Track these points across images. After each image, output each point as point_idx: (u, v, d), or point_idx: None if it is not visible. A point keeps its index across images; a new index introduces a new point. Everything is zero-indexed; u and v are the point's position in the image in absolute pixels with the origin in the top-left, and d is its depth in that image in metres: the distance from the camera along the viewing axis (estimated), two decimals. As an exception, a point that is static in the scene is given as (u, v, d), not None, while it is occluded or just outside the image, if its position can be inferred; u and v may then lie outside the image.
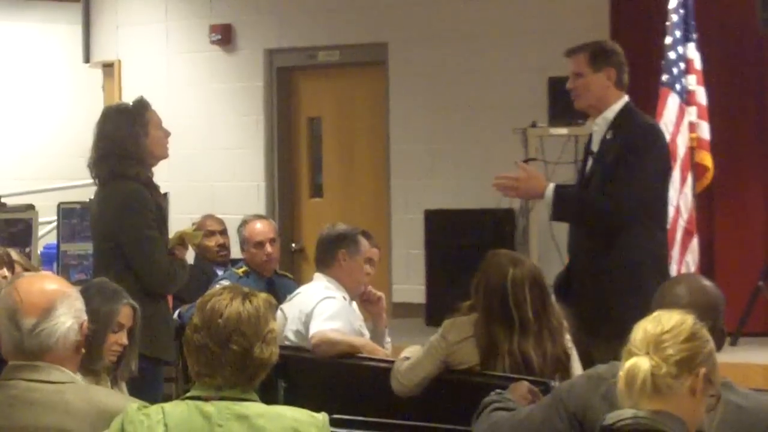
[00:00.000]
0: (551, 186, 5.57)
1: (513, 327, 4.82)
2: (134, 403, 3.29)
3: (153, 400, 3.38)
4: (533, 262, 5.28)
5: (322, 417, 3.24)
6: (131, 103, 5.67)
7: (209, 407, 3.17)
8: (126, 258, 5.49)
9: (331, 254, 5.83)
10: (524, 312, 4.83)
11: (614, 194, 5.40)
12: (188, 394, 3.24)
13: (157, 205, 5.57)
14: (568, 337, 5.00)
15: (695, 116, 8.50)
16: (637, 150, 5.45)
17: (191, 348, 3.24)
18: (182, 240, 5.66)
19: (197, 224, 7.43)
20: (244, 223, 7.11)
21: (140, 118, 5.54)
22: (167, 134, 5.66)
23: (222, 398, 3.19)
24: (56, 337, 3.30)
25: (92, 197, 8.52)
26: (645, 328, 3.02)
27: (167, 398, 5.64)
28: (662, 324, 3.01)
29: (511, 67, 10.44)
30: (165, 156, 5.67)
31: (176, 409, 3.21)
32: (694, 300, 3.46)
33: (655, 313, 3.08)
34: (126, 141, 5.48)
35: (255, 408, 3.19)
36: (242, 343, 3.20)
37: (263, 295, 3.34)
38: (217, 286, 6.72)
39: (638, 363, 2.96)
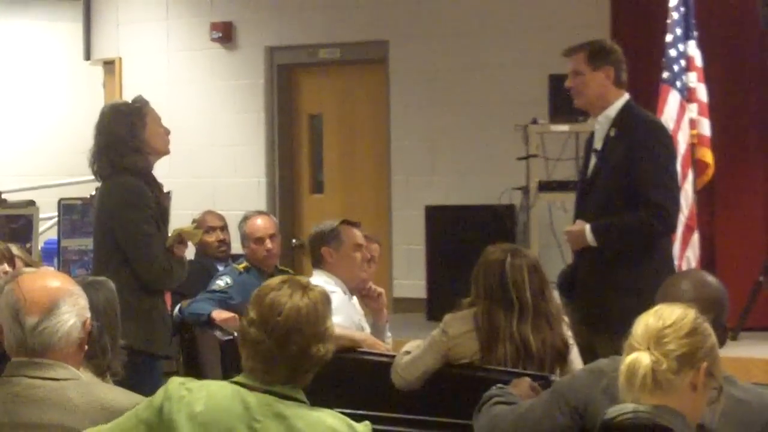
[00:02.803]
0: (588, 228, 5.55)
1: (513, 310, 4.84)
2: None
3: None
4: (533, 253, 5.32)
5: (363, 428, 3.19)
6: (129, 101, 5.68)
7: (251, 398, 3.13)
8: (124, 253, 5.49)
9: (317, 254, 5.87)
10: (523, 293, 4.85)
11: (657, 201, 5.43)
12: (236, 379, 3.20)
13: (156, 201, 5.57)
14: (569, 333, 5.01)
15: (696, 113, 8.51)
16: (657, 150, 5.49)
17: (246, 342, 3.18)
18: (181, 237, 5.66)
19: (197, 221, 7.43)
20: (245, 218, 7.12)
21: (137, 111, 5.55)
22: (167, 131, 5.65)
23: (267, 391, 3.15)
24: (59, 335, 3.29)
25: (93, 193, 8.58)
26: (646, 322, 3.01)
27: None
28: (663, 318, 3.01)
29: (512, 63, 10.45)
30: (166, 150, 5.65)
31: (222, 391, 3.16)
32: (698, 295, 3.46)
33: (657, 307, 3.07)
34: (122, 131, 5.49)
35: (296, 409, 3.14)
36: (300, 343, 3.16)
37: (320, 289, 3.29)
38: (218, 281, 6.77)
39: (639, 358, 2.96)
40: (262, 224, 7.01)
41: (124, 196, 5.48)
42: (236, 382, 3.19)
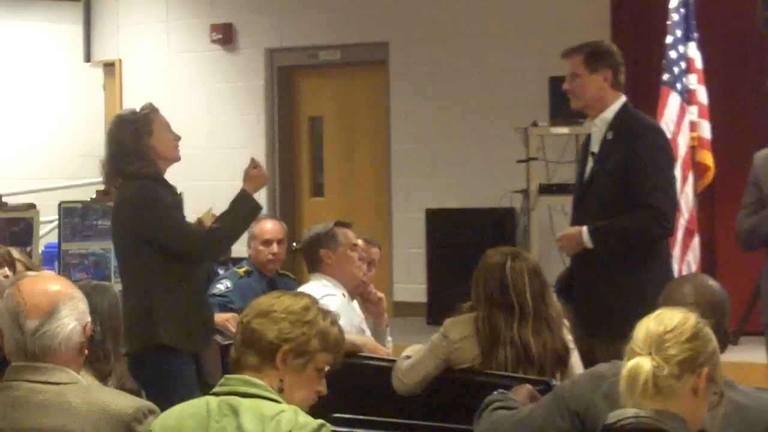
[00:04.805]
0: (585, 230, 5.54)
1: (513, 314, 4.84)
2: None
3: (190, 396, 3.39)
4: (533, 256, 5.31)
5: (314, 425, 3.12)
6: (138, 108, 5.67)
7: (213, 402, 3.17)
8: (147, 253, 5.45)
9: (315, 257, 5.86)
10: (524, 298, 4.85)
11: (655, 205, 5.43)
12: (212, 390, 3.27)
13: (173, 199, 5.56)
14: (569, 337, 5.01)
15: (696, 115, 8.49)
16: (655, 154, 5.49)
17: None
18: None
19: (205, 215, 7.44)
20: (256, 220, 7.11)
21: (144, 118, 5.53)
22: (177, 138, 5.63)
23: (228, 393, 3.17)
24: (59, 338, 3.28)
25: (94, 196, 8.58)
26: (647, 326, 3.01)
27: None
28: (664, 323, 3.00)
29: (512, 66, 10.45)
30: (175, 157, 5.62)
31: (193, 402, 3.23)
32: (700, 300, 3.46)
33: (658, 311, 3.07)
34: (126, 139, 5.48)
35: (251, 403, 3.14)
36: (245, 317, 3.23)
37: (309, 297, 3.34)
38: (218, 285, 6.76)
39: (640, 363, 2.95)
40: (271, 227, 7.02)
41: (138, 197, 5.45)
42: (210, 393, 3.24)
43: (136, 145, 5.47)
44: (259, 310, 3.23)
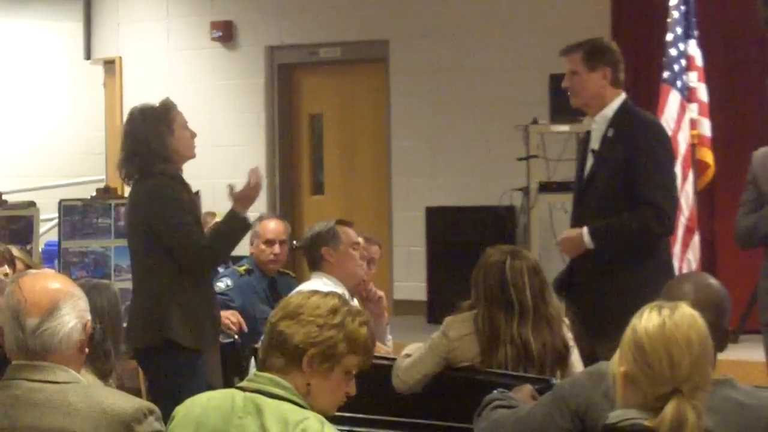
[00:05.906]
0: (585, 231, 5.54)
1: (513, 313, 4.84)
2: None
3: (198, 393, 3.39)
4: (533, 255, 5.31)
5: None
6: (157, 104, 5.65)
7: (239, 397, 3.17)
8: (162, 249, 5.46)
9: (316, 256, 5.86)
10: (524, 296, 4.85)
11: (656, 202, 5.43)
12: (239, 384, 3.26)
13: (189, 199, 5.56)
14: (569, 335, 5.01)
15: (696, 113, 8.51)
16: (656, 151, 5.48)
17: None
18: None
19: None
20: (260, 218, 7.13)
21: (165, 117, 5.53)
22: (193, 135, 5.63)
23: (255, 391, 3.17)
24: (60, 337, 3.28)
25: (94, 194, 8.57)
26: (669, 353, 2.93)
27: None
28: (680, 343, 2.95)
29: (513, 63, 10.45)
30: (192, 155, 5.62)
31: (219, 394, 3.24)
32: (700, 298, 3.43)
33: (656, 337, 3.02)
34: (150, 139, 5.47)
35: (277, 404, 3.13)
36: (273, 317, 3.22)
37: (339, 296, 3.32)
38: (219, 283, 6.77)
39: (682, 410, 2.88)
40: (275, 227, 7.03)
41: (154, 193, 5.46)
42: (237, 387, 3.23)
43: (158, 146, 5.46)
44: (287, 311, 3.22)
